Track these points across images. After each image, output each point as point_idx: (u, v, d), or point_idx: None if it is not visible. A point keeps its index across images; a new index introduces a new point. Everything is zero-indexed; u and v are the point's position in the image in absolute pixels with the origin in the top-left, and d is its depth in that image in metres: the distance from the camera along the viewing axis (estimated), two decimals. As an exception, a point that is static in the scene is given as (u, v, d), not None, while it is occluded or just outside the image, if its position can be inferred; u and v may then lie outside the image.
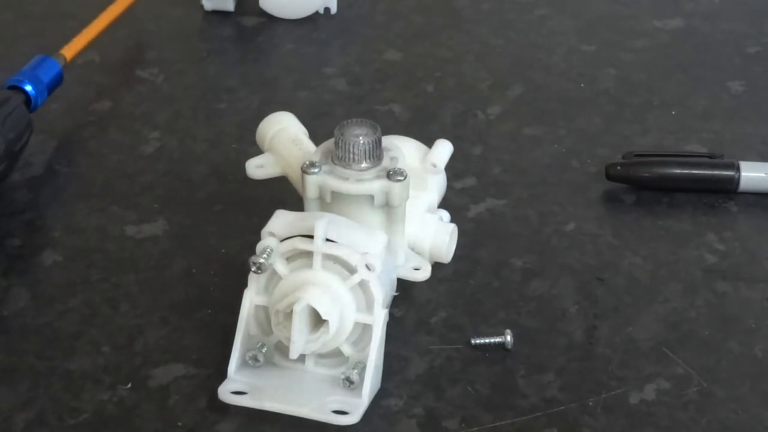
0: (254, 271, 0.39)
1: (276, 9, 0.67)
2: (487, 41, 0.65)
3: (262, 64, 0.64)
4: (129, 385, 0.41)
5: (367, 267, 0.39)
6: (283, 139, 0.47)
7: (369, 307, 0.40)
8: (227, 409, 0.40)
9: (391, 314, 0.44)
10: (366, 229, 0.41)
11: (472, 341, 0.43)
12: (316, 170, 0.42)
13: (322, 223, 0.39)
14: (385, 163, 0.43)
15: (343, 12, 0.68)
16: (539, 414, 0.40)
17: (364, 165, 0.42)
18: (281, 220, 0.41)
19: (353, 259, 0.39)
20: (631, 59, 0.63)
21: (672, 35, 0.66)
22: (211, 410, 0.40)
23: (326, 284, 0.39)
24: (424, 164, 0.45)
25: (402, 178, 0.42)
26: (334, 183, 0.42)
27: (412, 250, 0.45)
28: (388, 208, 0.43)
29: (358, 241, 0.40)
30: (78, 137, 0.56)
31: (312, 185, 0.42)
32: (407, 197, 0.43)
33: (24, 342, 0.43)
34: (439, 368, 0.42)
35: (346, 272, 0.40)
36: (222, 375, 0.41)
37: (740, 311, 0.45)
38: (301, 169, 0.42)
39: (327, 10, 0.68)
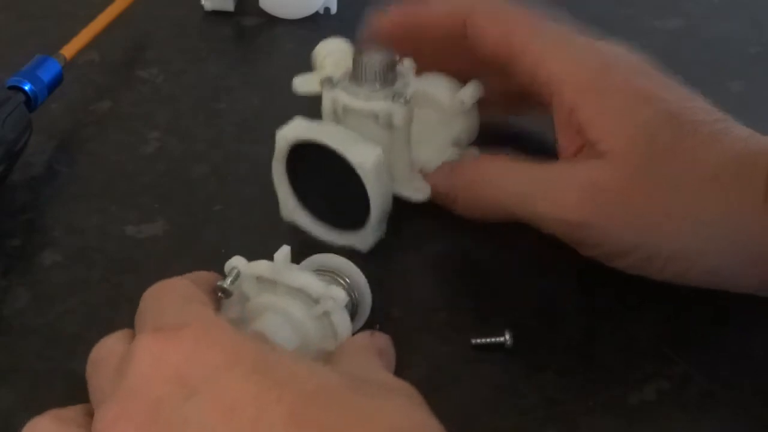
0: (219, 296, 0.38)
1: (276, 9, 0.67)
2: (487, 41, 0.65)
3: (262, 64, 0.64)
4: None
5: (332, 299, 0.38)
6: (330, 62, 0.52)
7: (336, 335, 0.39)
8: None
9: (391, 314, 0.44)
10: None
11: (472, 341, 0.43)
12: (332, 85, 0.47)
13: (283, 252, 0.38)
14: (397, 87, 0.46)
15: (343, 12, 0.68)
16: (539, 414, 0.40)
17: (374, 86, 0.46)
18: (297, 124, 0.46)
19: (315, 291, 0.38)
20: (631, 59, 0.63)
21: (672, 35, 0.66)
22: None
23: (288, 312, 0.38)
24: (452, 101, 0.50)
25: (402, 101, 0.45)
26: (344, 98, 0.46)
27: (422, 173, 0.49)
28: (392, 128, 0.46)
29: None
30: (78, 137, 0.56)
31: (327, 99, 0.47)
32: (410, 120, 0.46)
33: (24, 342, 0.43)
34: (439, 368, 0.42)
35: (311, 301, 0.39)
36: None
37: (740, 311, 0.45)
38: (320, 83, 0.47)
39: (327, 10, 0.68)
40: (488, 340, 0.43)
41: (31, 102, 0.53)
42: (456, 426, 0.40)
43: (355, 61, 0.46)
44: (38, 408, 0.40)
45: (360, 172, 0.44)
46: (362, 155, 0.44)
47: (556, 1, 0.47)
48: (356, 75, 0.46)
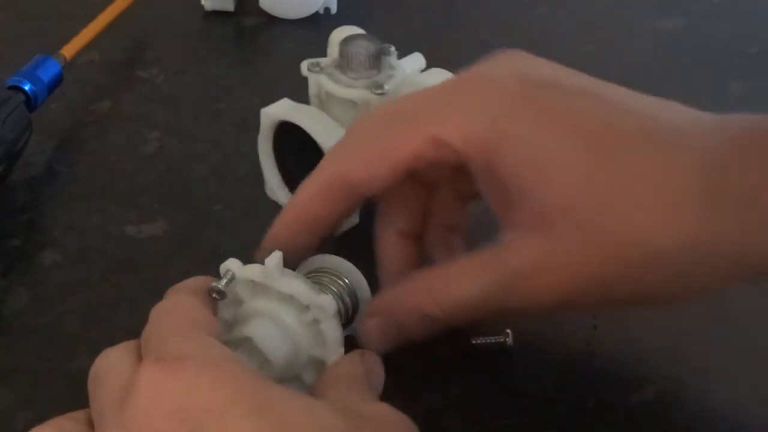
0: (215, 297, 0.38)
1: (276, 9, 0.67)
2: (488, 41, 0.65)
3: (262, 64, 0.64)
4: (129, 385, 0.41)
5: (320, 307, 0.38)
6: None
7: (323, 338, 0.38)
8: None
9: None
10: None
11: (472, 341, 0.43)
12: (317, 69, 0.47)
13: (275, 257, 0.38)
14: (381, 77, 0.46)
15: (343, 12, 0.68)
16: (539, 414, 0.40)
17: (356, 74, 0.47)
18: (281, 104, 0.47)
19: (304, 299, 0.38)
20: (631, 59, 0.63)
21: (672, 35, 0.66)
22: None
23: (279, 318, 0.38)
24: None
25: (380, 92, 0.46)
26: (327, 84, 0.47)
27: None
28: None
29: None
30: (78, 137, 0.56)
31: (312, 82, 0.48)
32: None
33: (24, 342, 0.43)
34: (439, 368, 0.42)
35: (302, 307, 0.38)
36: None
37: (740, 311, 0.45)
38: (307, 66, 0.48)
39: (327, 10, 0.68)
40: (488, 340, 0.43)
41: (31, 102, 0.53)
42: (456, 425, 0.40)
43: (341, 49, 0.47)
44: (38, 408, 0.40)
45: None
46: (332, 140, 0.44)
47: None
48: (341, 62, 0.47)
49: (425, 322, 0.39)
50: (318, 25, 0.67)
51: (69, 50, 0.57)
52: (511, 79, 0.38)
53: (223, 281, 0.38)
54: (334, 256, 0.42)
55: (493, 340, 0.43)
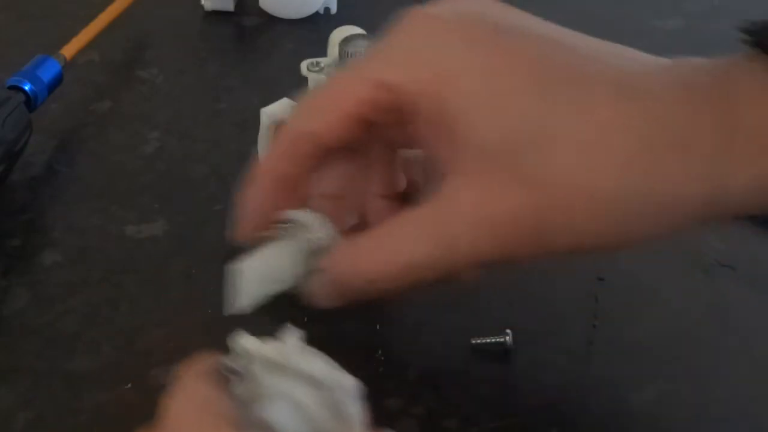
0: (227, 377, 0.36)
1: (276, 9, 0.67)
2: (487, 41, 0.65)
3: (262, 64, 0.64)
4: (129, 385, 0.41)
5: (342, 387, 0.35)
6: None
7: (347, 423, 0.36)
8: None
9: (390, 314, 0.44)
10: None
11: (472, 341, 0.43)
12: (317, 69, 0.48)
13: (294, 336, 0.36)
14: None
15: (343, 12, 0.68)
16: (539, 414, 0.40)
17: None
18: (281, 103, 0.47)
19: (325, 379, 0.35)
20: (631, 59, 0.63)
21: (672, 35, 0.66)
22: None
23: (297, 398, 0.36)
24: None
25: None
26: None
27: None
28: None
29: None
30: (78, 137, 0.56)
31: (312, 82, 0.49)
32: None
33: (24, 342, 0.43)
34: (439, 368, 0.42)
35: (322, 387, 0.36)
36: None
37: (740, 311, 0.45)
38: (307, 66, 0.48)
39: (327, 10, 0.68)
40: (488, 340, 0.43)
41: (31, 102, 0.53)
42: (456, 425, 0.40)
43: (341, 49, 0.47)
44: (38, 408, 0.40)
45: None
46: None
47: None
48: (341, 62, 0.47)
49: (369, 285, 0.38)
50: (318, 25, 0.67)
51: (69, 50, 0.57)
52: (458, 20, 0.38)
53: (236, 359, 0.36)
54: (307, 211, 0.41)
55: (493, 340, 0.43)
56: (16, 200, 0.51)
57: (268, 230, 0.40)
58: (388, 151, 0.41)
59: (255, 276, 0.40)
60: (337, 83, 0.39)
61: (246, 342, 0.36)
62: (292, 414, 0.36)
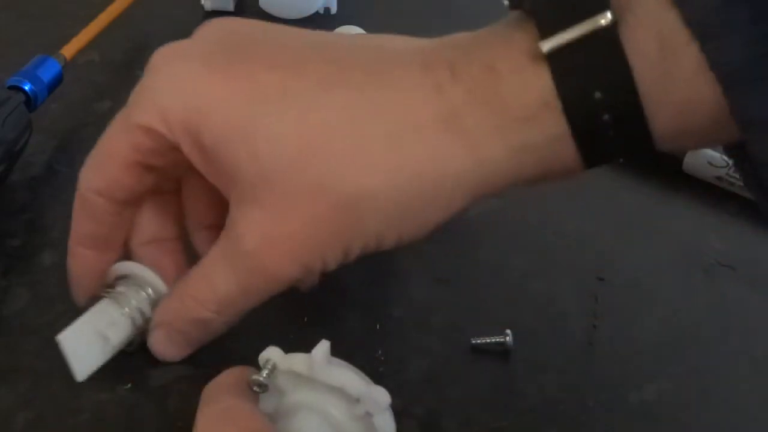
0: (255, 391, 0.36)
1: (276, 9, 0.67)
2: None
3: (262, 64, 0.64)
4: (129, 385, 0.41)
5: (374, 399, 0.35)
6: None
7: None
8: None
9: (390, 314, 0.44)
10: None
11: (472, 341, 0.43)
12: None
13: (322, 348, 0.36)
14: None
15: (343, 12, 0.68)
16: (539, 414, 0.40)
17: None
18: None
19: (356, 391, 0.35)
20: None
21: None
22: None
23: (326, 411, 0.36)
24: None
25: None
26: None
27: None
28: None
29: None
30: (78, 137, 0.56)
31: None
32: None
33: (24, 342, 0.43)
34: (439, 368, 0.42)
35: (351, 399, 0.35)
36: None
37: (740, 311, 0.45)
38: None
39: (327, 10, 0.68)
40: (488, 340, 0.43)
41: (31, 102, 0.53)
42: (456, 425, 0.40)
43: None
44: (38, 408, 0.40)
45: None
46: None
47: None
48: None
49: (203, 325, 0.39)
50: (318, 25, 0.67)
51: (69, 50, 0.57)
52: (201, 49, 0.37)
53: (264, 372, 0.36)
54: (137, 264, 0.41)
55: (493, 340, 0.43)
56: (16, 200, 0.51)
57: (102, 290, 0.41)
58: (197, 180, 0.41)
59: (80, 344, 0.40)
60: (108, 135, 0.39)
61: (274, 356, 0.36)
62: (323, 427, 0.35)
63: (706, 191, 0.53)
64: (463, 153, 0.34)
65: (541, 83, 0.32)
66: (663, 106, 0.32)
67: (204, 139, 0.36)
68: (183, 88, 0.36)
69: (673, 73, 0.31)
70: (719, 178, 0.53)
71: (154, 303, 0.41)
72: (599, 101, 0.32)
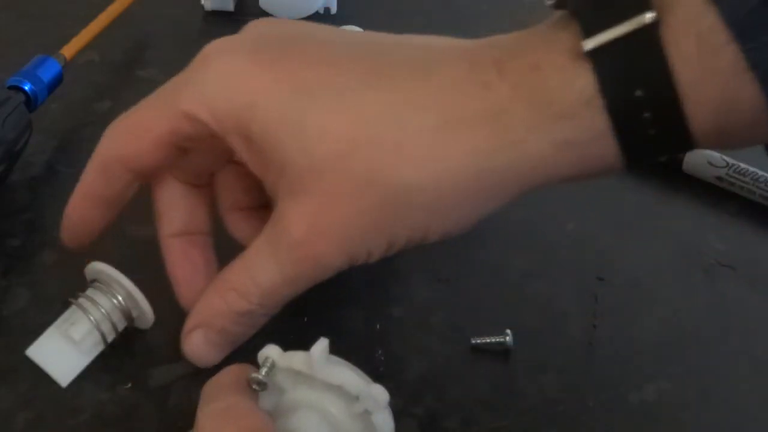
0: (254, 389, 0.36)
1: (276, 9, 0.67)
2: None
3: (262, 64, 0.64)
4: (129, 385, 0.41)
5: (372, 397, 0.35)
6: None
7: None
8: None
9: (390, 314, 0.44)
10: None
11: (472, 341, 0.43)
12: None
13: (321, 346, 0.36)
14: None
15: (343, 12, 0.68)
16: (539, 414, 0.40)
17: None
18: None
19: (354, 389, 0.35)
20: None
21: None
22: (211, 410, 0.40)
23: (325, 409, 0.36)
24: None
25: None
26: None
27: None
28: None
29: None
30: (78, 137, 0.56)
31: None
32: None
33: (24, 342, 0.43)
34: (439, 368, 0.42)
35: (350, 397, 0.36)
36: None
37: (740, 311, 0.45)
38: None
39: (327, 10, 0.68)
40: (488, 340, 0.43)
41: (31, 102, 0.53)
42: (456, 425, 0.40)
43: None
44: (38, 408, 0.40)
45: None
46: None
47: None
48: None
49: (245, 319, 0.39)
50: (318, 25, 0.67)
51: (69, 50, 0.57)
52: (251, 45, 0.38)
53: (264, 370, 0.36)
54: (111, 268, 0.42)
55: (493, 340, 0.43)
56: (16, 200, 0.51)
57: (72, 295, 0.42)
58: (233, 166, 0.42)
59: (52, 353, 0.41)
60: (146, 110, 0.40)
61: (273, 354, 0.36)
62: (322, 425, 0.35)
63: (706, 191, 0.53)
64: (508, 148, 0.34)
65: (584, 81, 0.33)
66: (702, 105, 0.32)
67: (252, 133, 0.36)
68: (233, 83, 0.37)
69: (712, 73, 0.32)
70: (719, 178, 0.53)
71: (123, 303, 0.42)
72: (640, 99, 0.32)
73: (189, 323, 0.40)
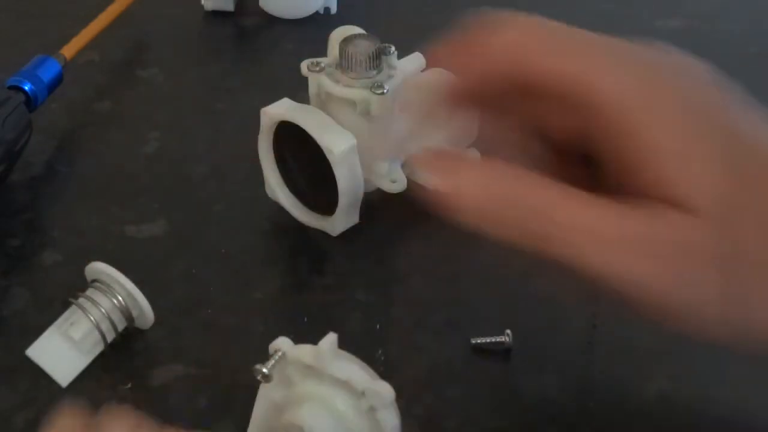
0: (260, 380, 0.36)
1: (276, 9, 0.67)
2: (487, 41, 0.65)
3: (262, 64, 0.64)
4: (129, 385, 0.41)
5: (378, 394, 0.35)
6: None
7: (381, 428, 0.36)
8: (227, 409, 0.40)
9: (391, 314, 0.44)
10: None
11: (472, 341, 0.43)
12: (317, 69, 0.47)
13: (329, 340, 0.36)
14: (381, 77, 0.47)
15: (343, 12, 0.68)
16: (539, 414, 0.40)
17: (356, 74, 0.47)
18: (281, 104, 0.48)
19: (360, 385, 0.35)
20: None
21: (672, 35, 0.66)
22: (212, 410, 0.40)
23: (331, 404, 0.36)
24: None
25: (381, 91, 0.46)
26: (327, 84, 0.47)
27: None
28: (370, 117, 0.47)
29: None
30: (78, 137, 0.56)
31: (312, 82, 0.48)
32: (388, 111, 0.46)
33: (24, 342, 0.43)
34: (439, 368, 0.42)
35: (357, 393, 0.36)
36: (222, 375, 0.41)
37: (740, 311, 0.45)
38: (307, 66, 0.48)
39: (327, 9, 0.68)
40: (488, 340, 0.43)
41: (31, 102, 0.53)
42: (456, 425, 0.40)
43: (341, 49, 0.47)
44: (38, 408, 0.40)
45: (330, 157, 0.45)
46: (334, 142, 0.45)
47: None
48: (341, 62, 0.47)
49: (509, 220, 0.36)
50: (318, 25, 0.67)
51: (69, 50, 0.57)
52: (691, 75, 0.40)
53: (270, 362, 0.36)
54: (111, 268, 0.42)
55: (493, 340, 0.43)
56: (16, 200, 0.51)
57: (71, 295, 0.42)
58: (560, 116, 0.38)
59: (52, 353, 0.41)
60: (562, 54, 0.39)
61: (282, 346, 0.36)
62: (326, 419, 0.35)
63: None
64: None
65: None
66: None
67: (640, 136, 0.35)
68: (641, 71, 0.38)
69: None
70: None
71: (123, 303, 0.42)
72: None
73: (470, 163, 0.37)
